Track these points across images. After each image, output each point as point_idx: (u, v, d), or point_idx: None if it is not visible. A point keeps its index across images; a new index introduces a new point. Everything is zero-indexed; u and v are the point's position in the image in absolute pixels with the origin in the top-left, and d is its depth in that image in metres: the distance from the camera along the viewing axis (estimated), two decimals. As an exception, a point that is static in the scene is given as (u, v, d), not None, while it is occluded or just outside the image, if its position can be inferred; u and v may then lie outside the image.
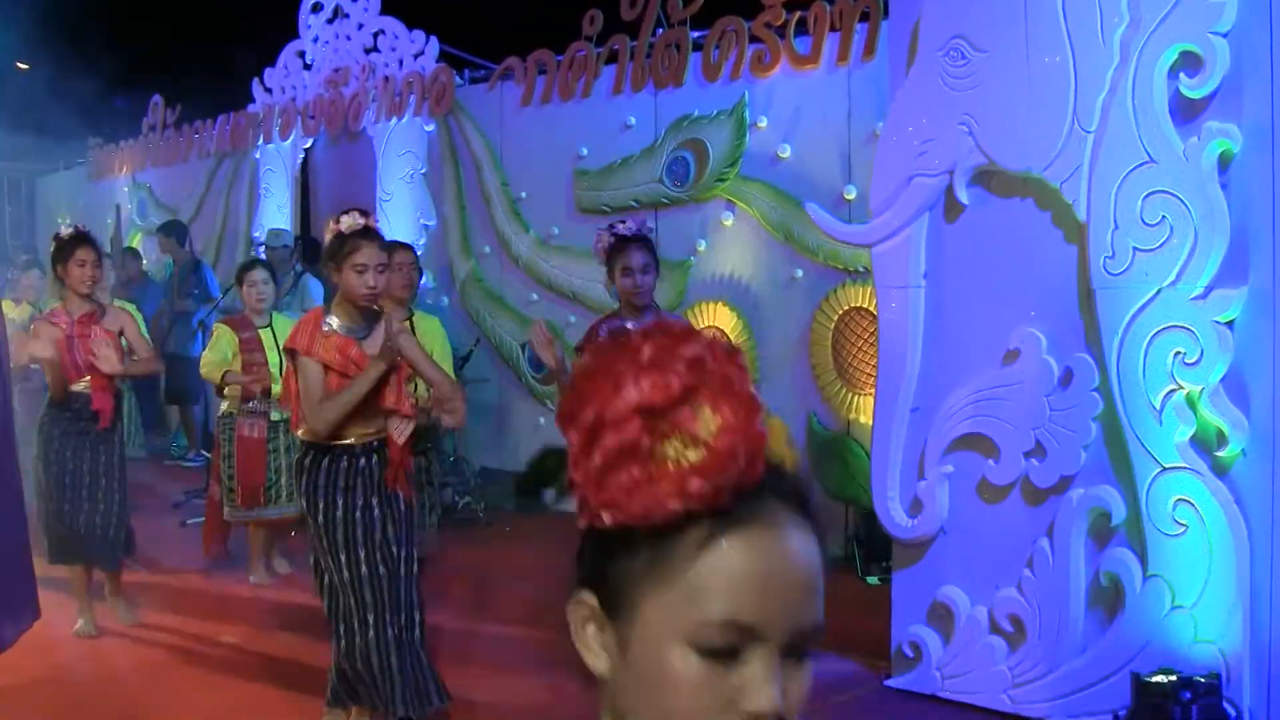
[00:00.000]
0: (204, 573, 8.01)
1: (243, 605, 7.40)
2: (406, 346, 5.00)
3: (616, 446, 0.94)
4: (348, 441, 4.97)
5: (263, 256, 10.81)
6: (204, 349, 7.63)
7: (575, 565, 1.05)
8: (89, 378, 6.61)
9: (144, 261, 13.39)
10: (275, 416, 7.41)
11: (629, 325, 5.53)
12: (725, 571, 0.98)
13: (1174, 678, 4.69)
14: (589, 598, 1.05)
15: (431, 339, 6.69)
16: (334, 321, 4.99)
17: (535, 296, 10.19)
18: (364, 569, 4.90)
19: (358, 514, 4.93)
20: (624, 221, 5.76)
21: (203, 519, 9.40)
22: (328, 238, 5.06)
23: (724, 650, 0.99)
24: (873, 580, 7.35)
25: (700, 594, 0.99)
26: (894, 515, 5.65)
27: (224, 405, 7.62)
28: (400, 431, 4.99)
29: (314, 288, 10.29)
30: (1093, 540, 5.09)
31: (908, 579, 5.72)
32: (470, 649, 6.43)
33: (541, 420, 10.13)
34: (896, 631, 5.76)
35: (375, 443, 5.00)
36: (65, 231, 6.74)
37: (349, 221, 4.97)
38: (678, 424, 0.96)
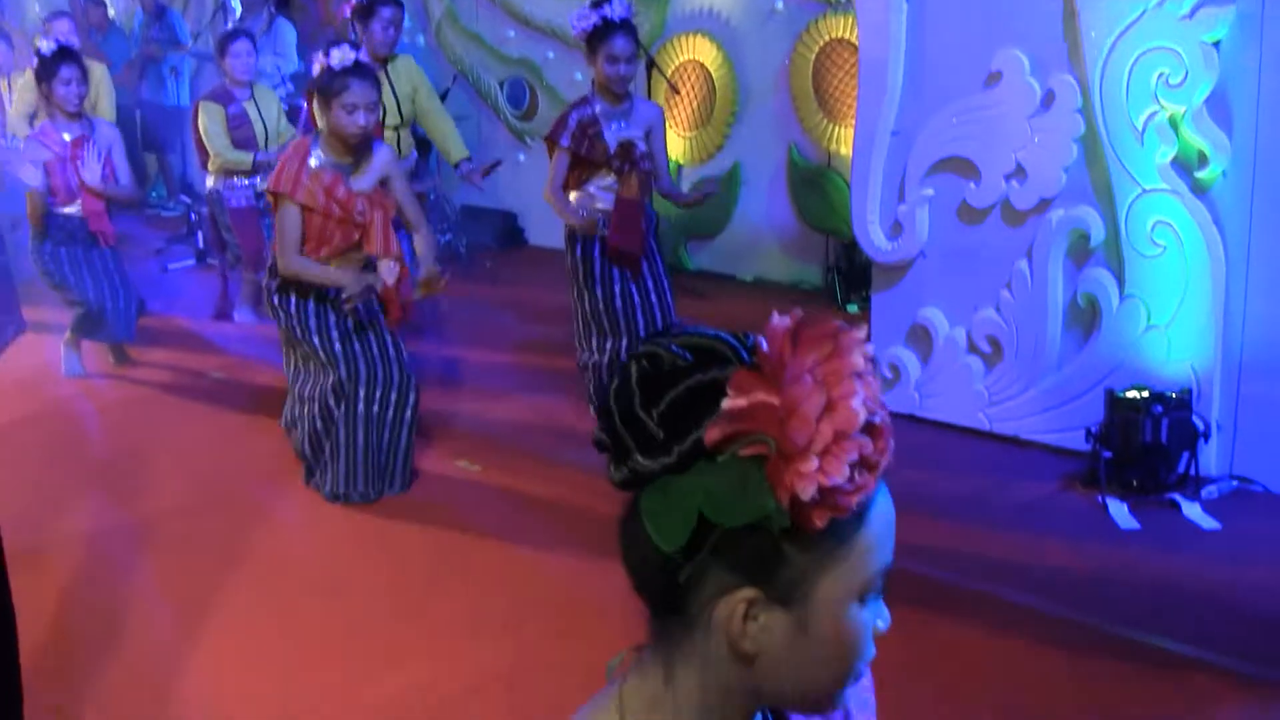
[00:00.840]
0: (188, 315, 8.07)
1: (227, 342, 7.48)
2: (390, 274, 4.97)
3: (857, 459, 1.00)
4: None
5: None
6: (195, 126, 7.51)
7: (713, 566, 1.06)
8: (80, 202, 6.52)
9: (110, 10, 13.06)
10: (261, 187, 7.35)
11: (596, 110, 5.44)
12: (882, 525, 1.08)
13: (1146, 393, 4.80)
14: (749, 593, 1.08)
15: (411, 77, 6.59)
16: (321, 157, 4.85)
17: (512, 33, 10.01)
18: (338, 346, 4.90)
19: (332, 319, 4.91)
20: (609, 3, 5.43)
21: (187, 263, 9.50)
22: (316, 68, 4.88)
23: (875, 591, 1.10)
24: (852, 308, 7.42)
25: (870, 553, 1.07)
26: (874, 239, 5.67)
27: (210, 181, 7.59)
28: (390, 272, 4.92)
29: (287, 31, 10.09)
30: (1071, 261, 5.14)
31: (886, 302, 5.78)
32: (455, 375, 6.54)
33: (521, 157, 10.07)
34: (874, 353, 5.82)
35: None
36: (46, 47, 6.46)
37: (339, 56, 4.76)
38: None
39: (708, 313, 7.00)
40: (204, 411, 6.27)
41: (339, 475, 4.99)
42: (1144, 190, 4.84)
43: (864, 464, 1.01)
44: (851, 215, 5.78)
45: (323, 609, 4.19)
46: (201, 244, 9.53)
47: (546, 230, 9.44)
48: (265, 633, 4.05)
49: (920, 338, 5.64)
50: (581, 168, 5.51)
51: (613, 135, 5.45)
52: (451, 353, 6.95)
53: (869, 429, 1.02)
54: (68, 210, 6.51)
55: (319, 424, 5.01)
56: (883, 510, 1.05)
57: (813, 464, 0.99)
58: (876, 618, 1.10)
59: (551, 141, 5.51)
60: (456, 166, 6.75)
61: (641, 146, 5.52)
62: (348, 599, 4.26)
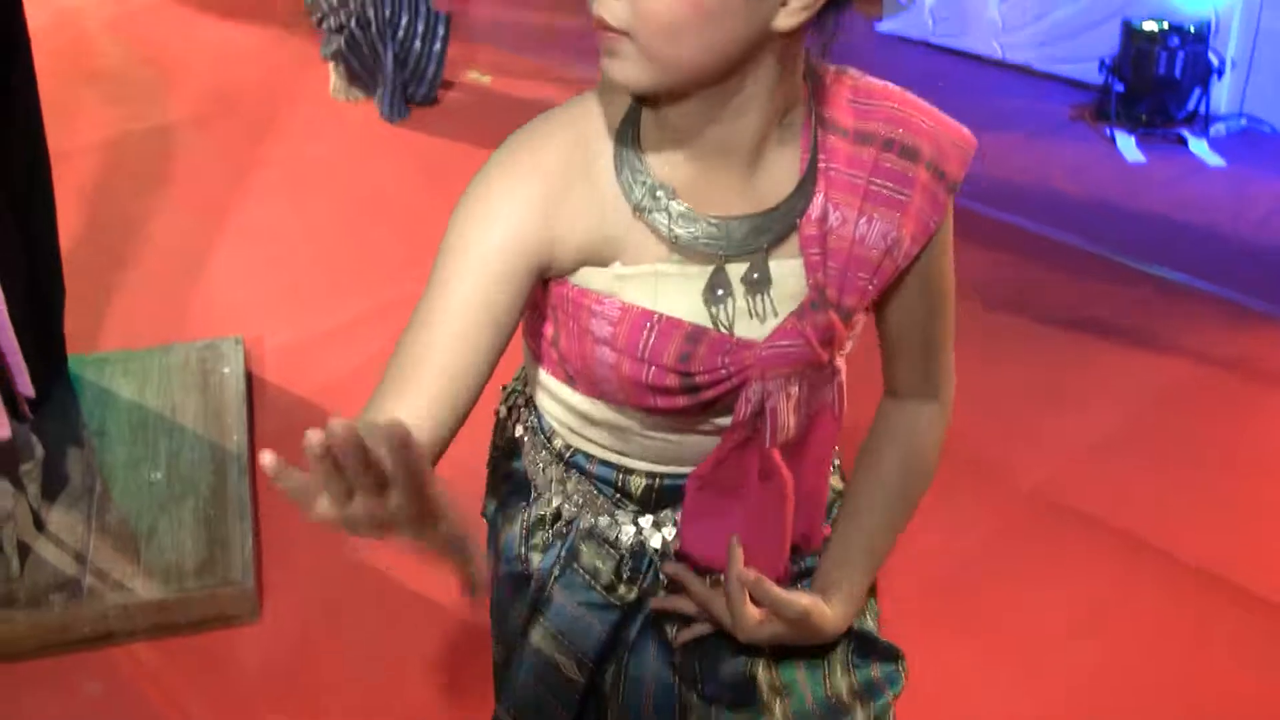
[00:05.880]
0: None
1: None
2: None
3: None
4: None
5: None
6: None
7: None
8: None
9: None
10: None
11: None
12: None
13: (1164, 25, 4.75)
14: None
15: None
16: None
17: None
18: None
19: None
20: None
21: None
22: None
23: None
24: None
25: None
26: None
27: None
28: None
29: None
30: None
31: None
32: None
33: None
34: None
35: None
36: None
37: None
38: None
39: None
40: (213, 23, 6.15)
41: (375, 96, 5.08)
42: None
43: None
44: None
45: (339, 213, 4.26)
46: None
47: None
48: (284, 237, 4.13)
49: (935, -39, 5.53)
50: None
51: None
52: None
53: None
54: None
55: (348, 42, 5.02)
56: None
57: None
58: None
59: None
60: None
61: None
62: (363, 203, 4.33)
